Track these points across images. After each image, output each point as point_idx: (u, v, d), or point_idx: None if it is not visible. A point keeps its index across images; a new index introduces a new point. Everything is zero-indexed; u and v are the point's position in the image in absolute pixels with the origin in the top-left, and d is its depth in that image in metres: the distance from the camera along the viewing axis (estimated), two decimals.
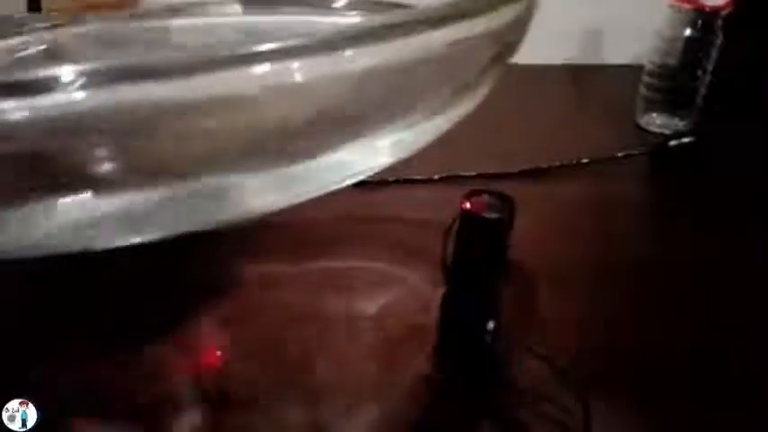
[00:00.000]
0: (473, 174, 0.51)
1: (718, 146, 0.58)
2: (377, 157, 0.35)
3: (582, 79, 0.80)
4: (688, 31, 0.60)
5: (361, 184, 0.51)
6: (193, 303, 0.38)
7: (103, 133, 0.25)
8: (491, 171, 0.52)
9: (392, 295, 0.40)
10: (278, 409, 0.32)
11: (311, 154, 0.32)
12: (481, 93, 0.40)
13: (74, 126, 0.25)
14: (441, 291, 0.34)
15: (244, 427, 0.31)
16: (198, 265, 0.41)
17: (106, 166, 0.27)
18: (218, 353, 0.36)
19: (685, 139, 0.57)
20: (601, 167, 0.55)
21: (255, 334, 0.36)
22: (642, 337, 0.37)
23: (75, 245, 0.29)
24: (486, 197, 0.32)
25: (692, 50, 0.61)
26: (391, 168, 0.51)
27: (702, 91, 0.62)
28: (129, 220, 0.29)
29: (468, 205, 0.31)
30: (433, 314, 0.35)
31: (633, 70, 0.68)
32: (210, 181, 0.30)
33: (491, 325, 0.33)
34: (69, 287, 0.40)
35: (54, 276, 0.40)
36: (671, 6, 0.61)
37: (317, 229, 0.45)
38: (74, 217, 0.28)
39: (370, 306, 0.39)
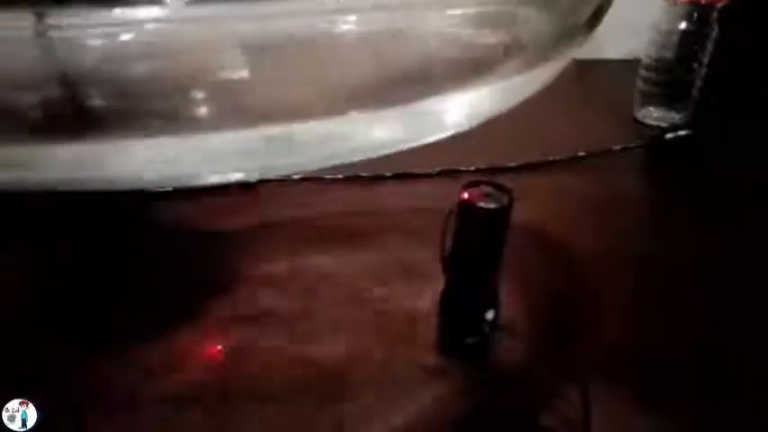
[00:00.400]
0: (472, 168, 0.52)
1: (714, 138, 0.58)
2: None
3: (579, 74, 0.80)
4: (684, 25, 0.60)
5: (360, 179, 0.52)
6: (194, 301, 0.38)
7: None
8: (489, 165, 0.52)
9: (392, 288, 0.40)
10: (280, 403, 0.32)
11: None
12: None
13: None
14: (440, 281, 0.34)
15: (246, 423, 0.31)
16: (199, 264, 0.42)
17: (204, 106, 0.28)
18: (219, 348, 0.36)
19: (682, 132, 0.57)
20: (598, 161, 0.55)
21: (257, 330, 0.37)
22: (641, 327, 0.37)
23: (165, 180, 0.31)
24: (484, 188, 0.32)
25: (688, 43, 0.61)
26: (390, 163, 0.51)
27: (698, 84, 0.63)
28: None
29: (466, 195, 0.31)
30: (434, 305, 0.35)
31: (630, 65, 0.68)
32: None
33: (490, 314, 0.34)
34: (68, 285, 0.40)
35: (52, 275, 0.41)
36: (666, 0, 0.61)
37: (317, 224, 0.45)
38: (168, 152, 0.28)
39: (370, 298, 0.39)
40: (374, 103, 0.30)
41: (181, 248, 0.43)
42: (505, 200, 0.31)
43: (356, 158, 0.32)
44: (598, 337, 0.37)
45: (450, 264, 0.33)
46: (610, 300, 0.40)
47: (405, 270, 0.41)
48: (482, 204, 0.31)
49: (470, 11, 0.32)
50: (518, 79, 0.35)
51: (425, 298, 0.36)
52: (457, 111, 0.34)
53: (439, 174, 0.52)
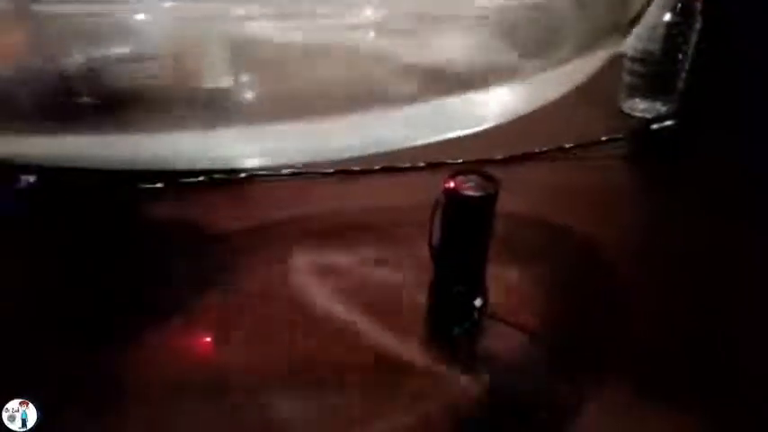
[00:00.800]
0: (459, 160, 0.52)
1: (700, 128, 0.59)
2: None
3: None
4: (668, 16, 0.61)
5: (348, 173, 0.52)
6: (190, 296, 0.39)
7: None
8: (476, 157, 0.52)
9: (383, 277, 0.40)
10: (277, 396, 0.32)
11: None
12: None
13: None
14: (429, 270, 0.35)
15: (245, 411, 0.31)
16: (193, 261, 0.42)
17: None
18: (209, 340, 0.36)
19: (667, 123, 0.58)
20: (585, 151, 0.56)
21: (252, 323, 0.37)
22: (633, 317, 0.38)
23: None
24: (469, 176, 0.32)
25: (673, 35, 0.61)
26: (378, 157, 0.51)
27: (683, 75, 0.63)
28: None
29: (452, 184, 0.31)
30: (423, 293, 0.35)
31: (616, 57, 0.68)
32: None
33: (479, 302, 0.34)
34: (67, 285, 0.40)
35: (52, 275, 0.41)
36: None
37: (308, 218, 0.46)
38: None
39: (362, 288, 0.39)
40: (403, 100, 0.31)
41: (176, 246, 0.43)
42: (491, 188, 0.31)
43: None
44: (588, 326, 0.37)
45: (438, 252, 0.33)
46: (598, 289, 0.40)
47: (394, 259, 0.41)
48: (467, 192, 0.31)
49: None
50: (553, 75, 0.35)
51: (416, 286, 0.37)
52: (489, 106, 0.34)
53: (426, 167, 0.52)
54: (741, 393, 0.33)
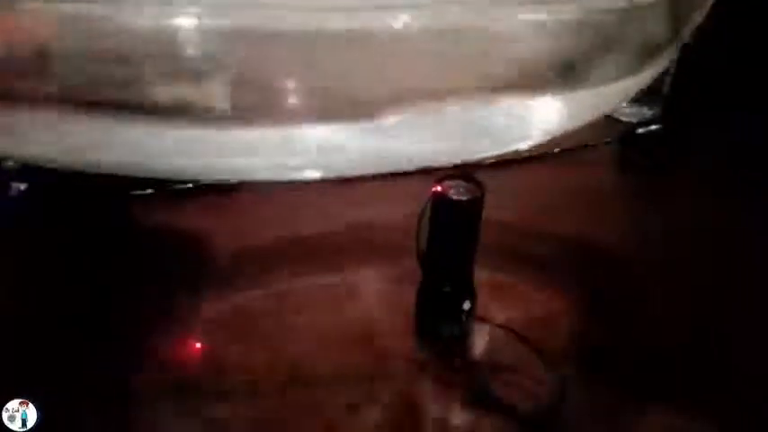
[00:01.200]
0: (446, 165, 0.52)
1: (685, 132, 0.60)
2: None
3: None
4: None
5: (337, 179, 0.52)
6: (181, 300, 0.39)
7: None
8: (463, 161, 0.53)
9: (373, 283, 0.40)
10: (263, 395, 0.33)
11: None
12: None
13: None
14: (418, 274, 0.35)
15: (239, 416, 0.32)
16: (184, 265, 0.42)
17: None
18: (201, 345, 0.36)
19: (653, 127, 0.59)
20: (572, 156, 0.56)
21: (239, 329, 0.37)
22: (616, 318, 0.38)
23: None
24: (456, 181, 0.33)
25: None
26: None
27: (669, 80, 0.64)
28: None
29: (438, 188, 0.32)
30: (412, 297, 0.36)
31: None
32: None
33: (467, 305, 0.34)
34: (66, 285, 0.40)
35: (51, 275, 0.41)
36: None
37: (296, 226, 0.46)
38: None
39: (353, 293, 0.39)
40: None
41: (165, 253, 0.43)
42: (477, 192, 0.32)
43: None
44: (573, 326, 0.38)
45: (426, 257, 0.34)
46: (585, 291, 0.40)
47: (385, 263, 0.42)
48: (454, 196, 0.31)
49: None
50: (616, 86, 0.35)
51: (405, 291, 0.37)
52: (532, 122, 0.34)
53: (413, 172, 0.52)
54: (734, 391, 0.33)
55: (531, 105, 0.33)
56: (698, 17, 0.38)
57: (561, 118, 0.35)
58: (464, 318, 0.34)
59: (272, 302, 0.39)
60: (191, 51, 0.27)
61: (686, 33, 0.38)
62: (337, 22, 0.28)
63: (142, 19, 0.26)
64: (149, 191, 0.47)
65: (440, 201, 0.32)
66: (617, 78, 0.35)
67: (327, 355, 0.35)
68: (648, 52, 0.37)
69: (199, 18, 0.26)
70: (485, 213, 0.33)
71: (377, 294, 0.39)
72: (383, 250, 0.43)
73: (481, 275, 0.35)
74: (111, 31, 0.26)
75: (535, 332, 0.36)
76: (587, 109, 0.36)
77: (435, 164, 0.33)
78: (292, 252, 0.43)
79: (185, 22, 0.26)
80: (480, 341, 0.35)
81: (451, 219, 0.32)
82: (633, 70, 0.36)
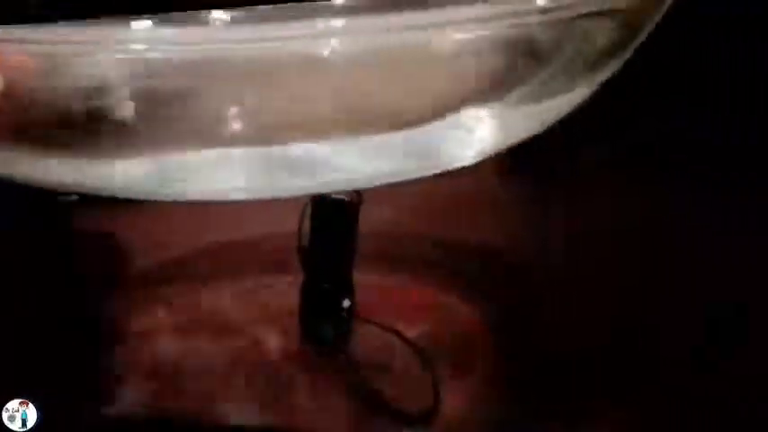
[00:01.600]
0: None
1: (576, 132, 0.54)
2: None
3: None
4: None
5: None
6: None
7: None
8: None
9: (257, 282, 0.41)
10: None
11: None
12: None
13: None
14: (301, 273, 0.37)
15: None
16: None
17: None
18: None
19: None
20: None
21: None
22: (510, 321, 0.37)
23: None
24: None
25: None
26: None
27: None
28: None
29: None
30: (297, 294, 0.37)
31: None
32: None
33: (346, 303, 0.37)
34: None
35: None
36: None
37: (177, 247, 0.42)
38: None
39: (237, 292, 0.40)
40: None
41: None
42: (354, 193, 0.34)
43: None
44: (464, 328, 0.38)
45: (307, 255, 0.36)
46: (473, 292, 0.40)
47: (269, 262, 0.42)
48: (332, 195, 0.34)
49: None
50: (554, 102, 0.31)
51: (289, 288, 0.37)
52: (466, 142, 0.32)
53: None
54: (629, 400, 0.31)
55: (465, 125, 0.30)
56: (643, 34, 0.36)
57: (497, 137, 0.31)
58: (345, 315, 0.36)
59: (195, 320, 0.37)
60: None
61: (631, 49, 0.35)
62: (268, 50, 0.28)
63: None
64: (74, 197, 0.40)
65: (319, 201, 0.34)
66: (555, 95, 0.31)
67: (213, 351, 0.34)
68: (589, 68, 0.35)
69: None
70: (374, 217, 0.34)
71: (263, 296, 0.39)
72: (272, 255, 0.42)
73: (362, 277, 0.36)
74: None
75: (416, 333, 0.35)
76: (524, 127, 0.32)
77: (367, 186, 0.32)
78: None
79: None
80: (361, 340, 0.36)
81: (330, 219, 0.34)
82: (572, 86, 0.32)
